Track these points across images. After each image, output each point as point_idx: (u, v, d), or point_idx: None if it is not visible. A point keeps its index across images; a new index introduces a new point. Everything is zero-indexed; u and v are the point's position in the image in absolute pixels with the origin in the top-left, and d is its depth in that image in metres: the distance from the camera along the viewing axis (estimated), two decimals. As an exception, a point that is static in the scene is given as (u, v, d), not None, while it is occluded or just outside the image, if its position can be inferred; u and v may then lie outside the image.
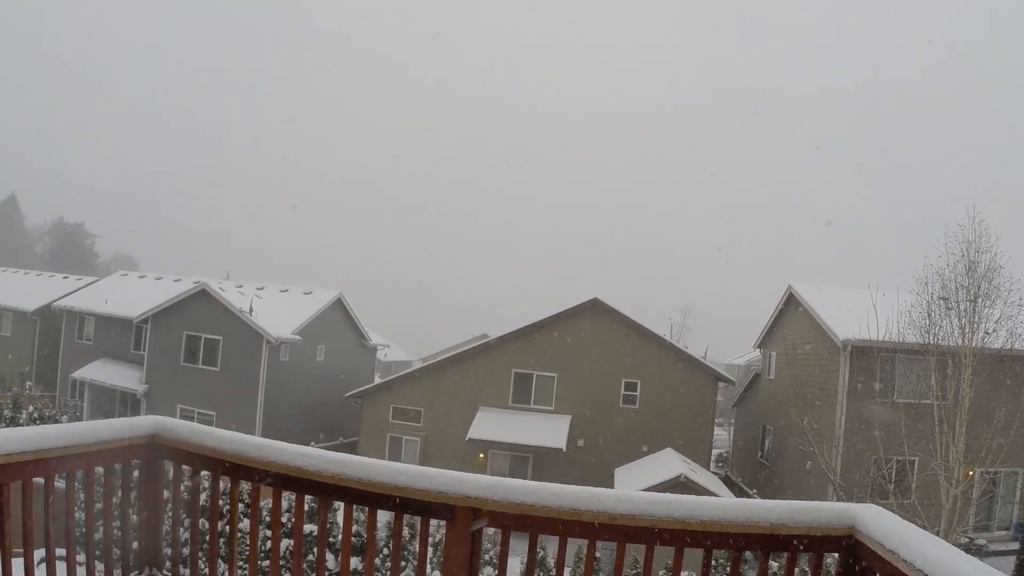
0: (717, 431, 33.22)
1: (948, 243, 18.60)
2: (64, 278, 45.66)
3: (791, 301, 28.81)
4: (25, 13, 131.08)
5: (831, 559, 3.15)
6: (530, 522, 3.20)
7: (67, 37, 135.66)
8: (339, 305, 37.52)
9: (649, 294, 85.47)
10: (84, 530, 3.65)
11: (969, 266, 18.42)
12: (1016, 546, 20.29)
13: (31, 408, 28.05)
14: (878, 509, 3.03)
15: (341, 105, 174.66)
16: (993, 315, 18.40)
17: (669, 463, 24.71)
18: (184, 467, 3.95)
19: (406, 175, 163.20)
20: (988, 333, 18.22)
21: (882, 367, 22.50)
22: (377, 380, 36.45)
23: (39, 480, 3.38)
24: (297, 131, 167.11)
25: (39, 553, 3.40)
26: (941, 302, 18.75)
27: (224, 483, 3.81)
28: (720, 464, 36.89)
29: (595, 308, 29.16)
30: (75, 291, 41.19)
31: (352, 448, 30.47)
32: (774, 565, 10.21)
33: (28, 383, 38.47)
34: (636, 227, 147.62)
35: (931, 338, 18.73)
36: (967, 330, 18.30)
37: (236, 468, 3.65)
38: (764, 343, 32.03)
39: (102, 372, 35.54)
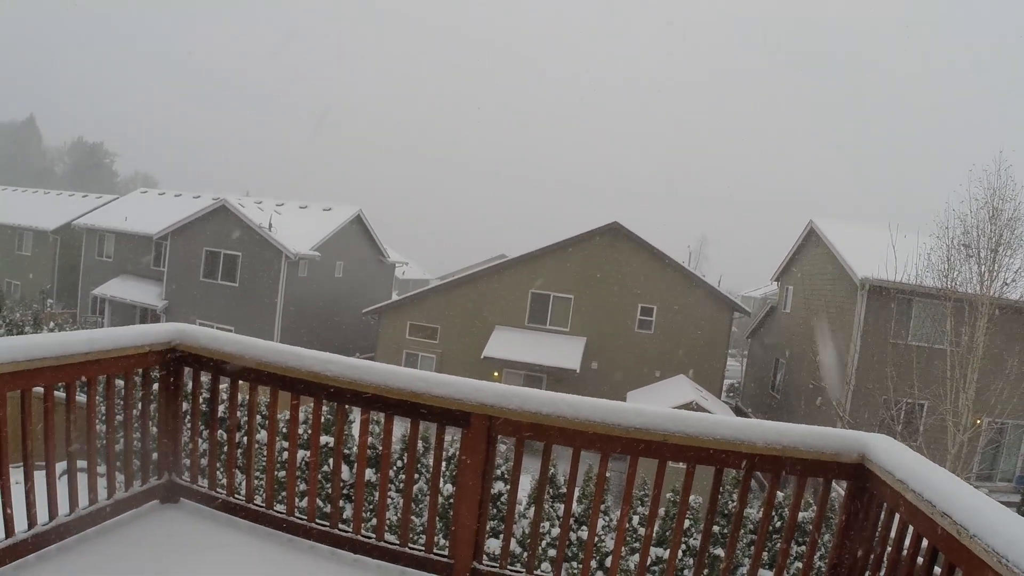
0: (730, 362, 33.28)
1: (971, 188, 18.20)
2: (84, 197, 45.87)
3: (811, 236, 28.53)
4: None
5: (840, 486, 3.17)
6: (544, 432, 3.23)
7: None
8: (358, 222, 37.54)
9: (668, 220, 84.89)
10: (105, 441, 3.69)
11: (992, 213, 18.02)
12: (1017, 498, 20.25)
13: (52, 325, 28.38)
14: (889, 439, 3.04)
15: (361, 27, 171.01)
16: (1013, 265, 18.09)
17: (681, 389, 24.83)
18: (203, 374, 3.98)
19: (435, 95, 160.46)
20: (1007, 283, 17.91)
21: (898, 308, 22.36)
22: (395, 297, 36.64)
23: (60, 395, 3.43)
24: (321, 55, 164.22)
25: (61, 466, 3.45)
26: (962, 248, 18.44)
27: (243, 392, 3.86)
28: (731, 394, 37.01)
29: (614, 232, 29.01)
30: (95, 209, 41.46)
31: (368, 364, 30.62)
32: (779, 495, 10.35)
33: (49, 300, 38.90)
34: (661, 155, 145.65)
35: (949, 283, 18.44)
36: (986, 278, 18.01)
37: (255, 374, 3.68)
38: (782, 276, 31.84)
39: (122, 288, 35.96)
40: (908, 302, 22.36)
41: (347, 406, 3.58)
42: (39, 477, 3.20)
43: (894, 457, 2.84)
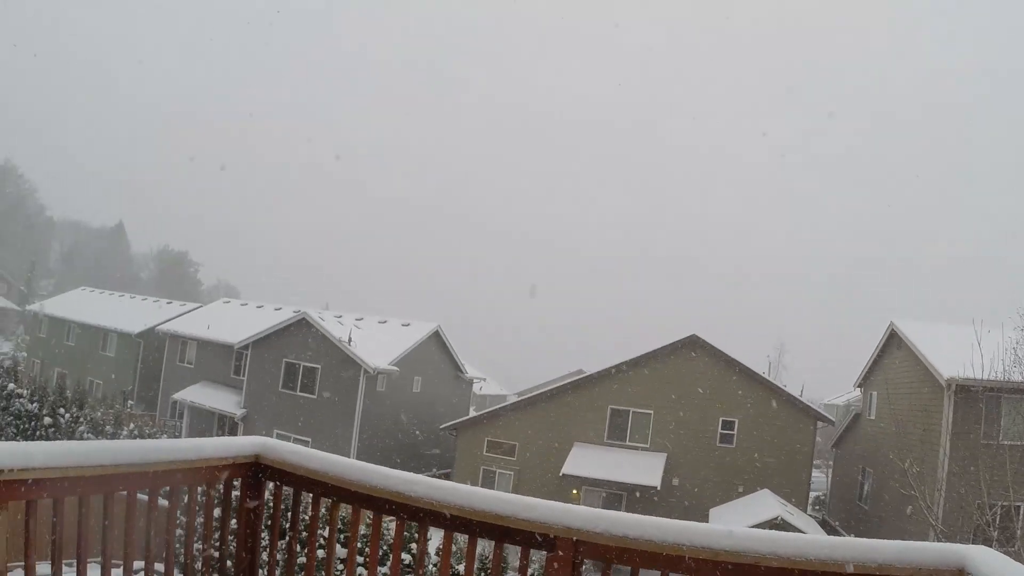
0: (815, 473, 32.42)
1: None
2: (168, 303, 47.42)
3: (892, 339, 27.90)
4: (137, 53, 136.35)
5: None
6: (632, 556, 3.13)
7: (172, 83, 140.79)
8: (436, 337, 37.89)
9: (744, 328, 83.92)
10: (183, 549, 3.69)
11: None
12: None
13: (132, 426, 28.98)
14: (989, 550, 2.89)
15: (439, 139, 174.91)
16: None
17: (766, 504, 24.30)
18: (285, 488, 3.98)
19: (504, 208, 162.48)
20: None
21: (987, 407, 21.58)
22: (472, 413, 36.74)
23: (143, 496, 3.44)
24: (400, 167, 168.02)
25: (138, 564, 3.45)
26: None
27: (324, 506, 3.82)
28: (817, 507, 35.94)
29: (693, 344, 28.83)
30: (178, 316, 42.73)
31: (445, 479, 30.53)
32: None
33: (130, 402, 39.74)
34: (733, 261, 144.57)
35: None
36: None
37: (338, 491, 3.66)
38: (865, 382, 31.10)
39: (202, 395, 36.62)
40: (997, 400, 21.50)
41: (429, 526, 3.53)
42: (115, 574, 3.23)
43: (994, 569, 2.68)
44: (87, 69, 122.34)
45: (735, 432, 28.24)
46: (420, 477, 3.52)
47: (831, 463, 37.59)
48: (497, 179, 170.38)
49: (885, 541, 3.03)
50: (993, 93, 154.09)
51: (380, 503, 3.56)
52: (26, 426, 28.57)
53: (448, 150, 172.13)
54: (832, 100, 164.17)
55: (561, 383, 31.96)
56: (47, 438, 28.09)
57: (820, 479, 39.89)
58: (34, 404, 29.17)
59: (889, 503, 25.43)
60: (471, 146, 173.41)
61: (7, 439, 28.75)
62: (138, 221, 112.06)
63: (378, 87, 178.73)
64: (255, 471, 3.92)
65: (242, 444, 3.87)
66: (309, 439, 31.75)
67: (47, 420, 28.48)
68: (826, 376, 60.25)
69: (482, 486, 21.39)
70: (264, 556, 4.23)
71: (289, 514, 3.98)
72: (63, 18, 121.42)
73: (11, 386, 30.08)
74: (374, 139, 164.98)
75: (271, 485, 4.01)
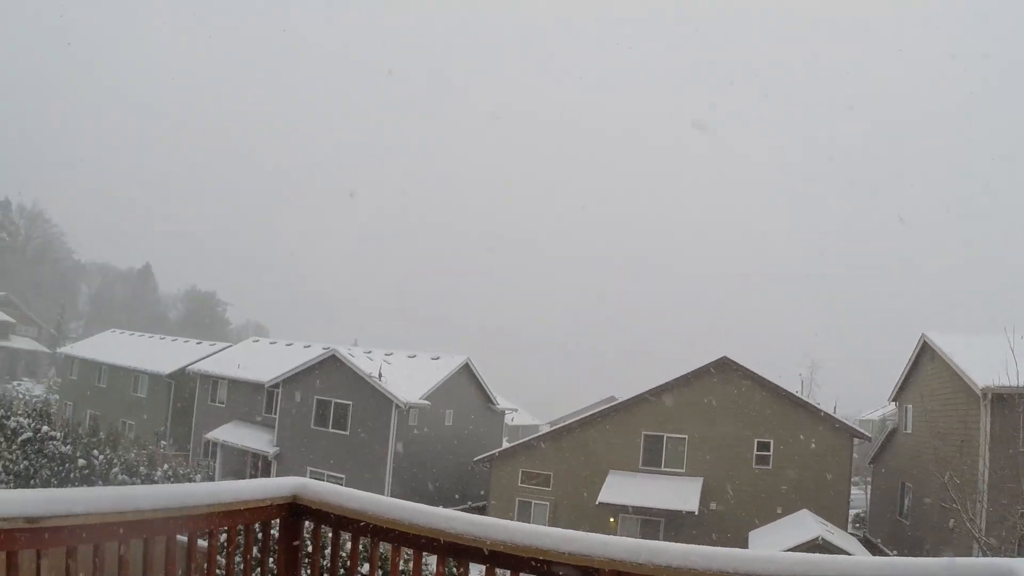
0: (853, 490, 32.07)
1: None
2: (197, 343, 47.85)
3: (925, 351, 27.59)
4: (163, 90, 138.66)
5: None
6: None
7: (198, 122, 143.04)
8: (467, 370, 37.96)
9: (772, 345, 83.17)
10: None
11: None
12: None
13: (165, 466, 29.23)
14: None
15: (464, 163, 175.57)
16: None
17: (805, 525, 24.05)
18: (324, 528, 3.96)
19: (525, 234, 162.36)
20: None
21: (1026, 415, 21.25)
22: (505, 444, 36.72)
23: (182, 538, 3.44)
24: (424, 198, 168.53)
25: None
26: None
27: (363, 544, 3.79)
28: (857, 525, 35.55)
29: (725, 366, 28.68)
30: (208, 356, 43.01)
31: (480, 512, 30.51)
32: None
33: (162, 442, 40.07)
34: (754, 276, 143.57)
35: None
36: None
37: (377, 530, 3.65)
38: (899, 396, 30.77)
39: (234, 434, 36.84)
40: (1035, 407, 21.23)
41: (470, 563, 3.51)
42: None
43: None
44: (112, 113, 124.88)
45: (771, 453, 28.00)
46: (459, 513, 3.52)
47: (869, 479, 37.26)
48: (524, 210, 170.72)
49: (931, 559, 2.99)
50: None
51: (419, 540, 3.56)
52: (60, 468, 28.91)
53: (469, 184, 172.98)
54: (844, 101, 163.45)
55: (593, 411, 31.89)
56: (81, 479, 28.45)
57: (859, 496, 39.42)
58: (67, 446, 29.53)
59: (930, 517, 25.09)
60: (494, 173, 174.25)
61: (42, 481, 29.16)
62: (165, 262, 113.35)
63: (398, 120, 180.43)
64: (293, 511, 3.92)
65: (280, 485, 3.87)
66: (343, 475, 31.91)
67: (81, 462, 28.79)
68: (859, 390, 59.49)
69: (518, 517, 21.26)
70: (304, 597, 4.22)
71: (327, 552, 3.97)
72: (93, 60, 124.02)
73: (44, 428, 30.45)
74: (394, 173, 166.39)
75: (309, 525, 4.01)
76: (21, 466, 29.33)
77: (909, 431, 29.29)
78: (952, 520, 21.01)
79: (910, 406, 29.23)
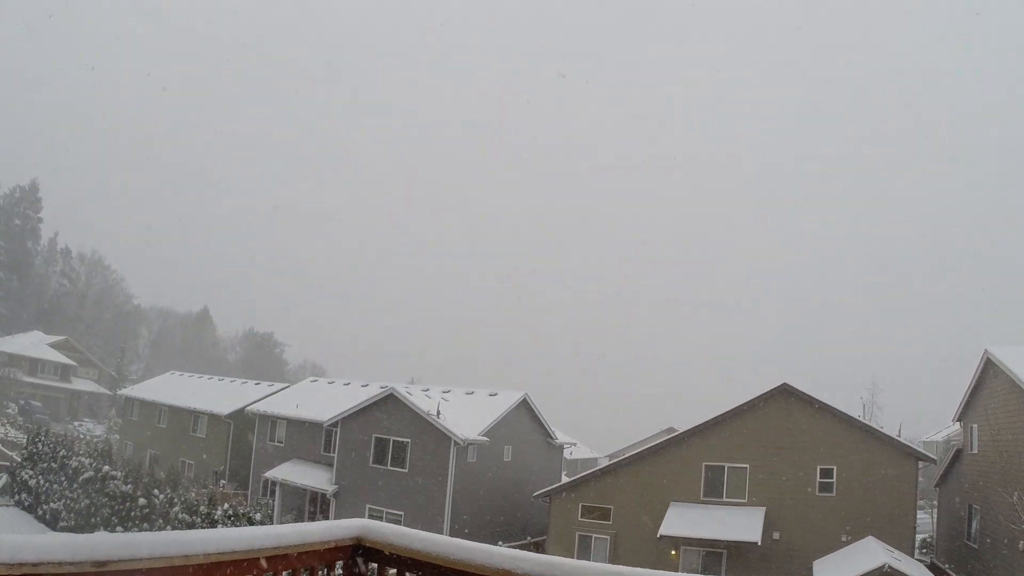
0: (920, 515, 31.38)
1: None
2: (255, 384, 48.74)
3: (989, 367, 27.01)
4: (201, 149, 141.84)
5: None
6: None
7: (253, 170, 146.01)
8: (524, 405, 37.97)
9: (833, 368, 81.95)
10: None
11: None
12: None
13: (226, 505, 29.76)
14: None
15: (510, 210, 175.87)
16: None
17: (871, 552, 23.58)
18: (389, 569, 3.98)
19: (581, 276, 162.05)
20: None
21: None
22: (564, 478, 36.69)
23: None
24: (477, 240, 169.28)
25: None
26: None
27: None
28: (924, 550, 34.83)
29: (785, 393, 28.34)
30: (266, 396, 43.68)
31: (540, 548, 30.47)
32: None
33: (222, 481, 40.79)
34: (821, 298, 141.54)
35: None
36: None
37: (441, 571, 3.66)
38: (964, 415, 30.11)
39: (293, 472, 37.23)
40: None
41: None
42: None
43: None
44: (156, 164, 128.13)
45: (834, 480, 27.52)
46: (525, 553, 3.53)
47: (935, 503, 36.53)
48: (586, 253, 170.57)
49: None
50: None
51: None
52: (120, 507, 29.67)
53: (529, 223, 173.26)
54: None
55: (653, 443, 31.70)
56: (141, 518, 29.10)
57: (925, 520, 38.56)
58: (128, 485, 30.30)
59: (999, 540, 24.53)
60: (560, 212, 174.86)
61: (102, 520, 29.91)
62: (222, 306, 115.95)
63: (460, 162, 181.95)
64: (357, 553, 3.97)
65: (344, 527, 3.92)
66: (401, 513, 32.04)
67: (141, 501, 29.51)
68: (920, 410, 58.30)
69: (578, 552, 21.30)
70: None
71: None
72: (145, 108, 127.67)
73: (106, 468, 31.33)
74: (434, 214, 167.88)
75: (373, 567, 4.03)
76: (82, 504, 30.28)
77: (975, 451, 28.63)
78: (1022, 542, 20.58)
79: (975, 425, 28.61)
